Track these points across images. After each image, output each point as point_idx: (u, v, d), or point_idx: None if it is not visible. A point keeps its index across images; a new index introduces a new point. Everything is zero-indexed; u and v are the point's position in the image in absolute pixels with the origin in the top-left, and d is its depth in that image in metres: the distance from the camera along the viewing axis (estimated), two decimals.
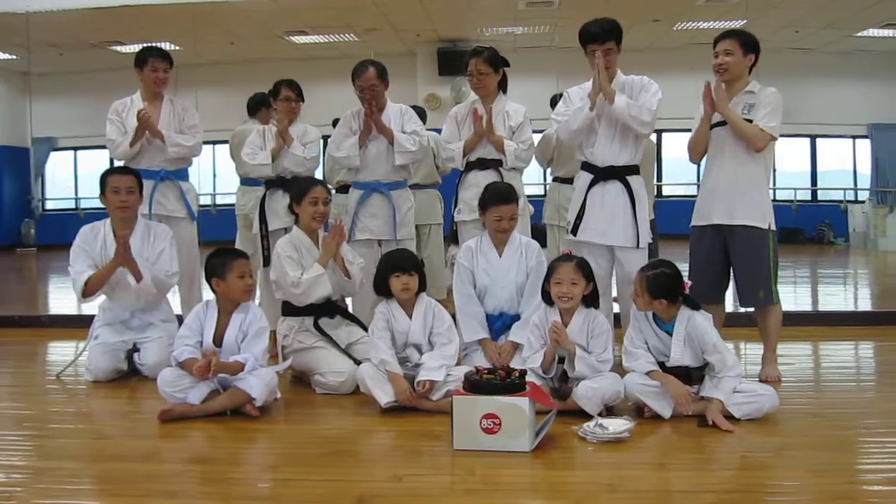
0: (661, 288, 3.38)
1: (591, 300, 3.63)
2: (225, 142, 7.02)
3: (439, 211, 6.20)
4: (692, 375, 3.42)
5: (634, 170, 4.23)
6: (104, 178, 4.36)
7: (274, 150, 4.85)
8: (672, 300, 3.40)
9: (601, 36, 4.07)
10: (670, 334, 3.42)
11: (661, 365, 3.44)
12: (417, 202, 5.09)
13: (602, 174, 4.19)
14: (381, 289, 3.77)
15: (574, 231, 4.24)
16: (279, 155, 4.85)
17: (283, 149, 4.85)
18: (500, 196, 4.03)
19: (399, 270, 3.70)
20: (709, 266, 4.09)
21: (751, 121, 3.94)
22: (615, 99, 4.05)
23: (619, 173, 4.17)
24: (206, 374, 3.43)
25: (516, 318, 4.02)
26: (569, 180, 5.91)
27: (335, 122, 6.28)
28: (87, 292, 4.25)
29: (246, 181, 6.26)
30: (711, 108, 4.02)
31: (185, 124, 4.95)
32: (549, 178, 6.44)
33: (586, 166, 4.27)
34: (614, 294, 4.44)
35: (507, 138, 4.56)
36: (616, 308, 4.45)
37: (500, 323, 4.04)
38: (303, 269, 4.05)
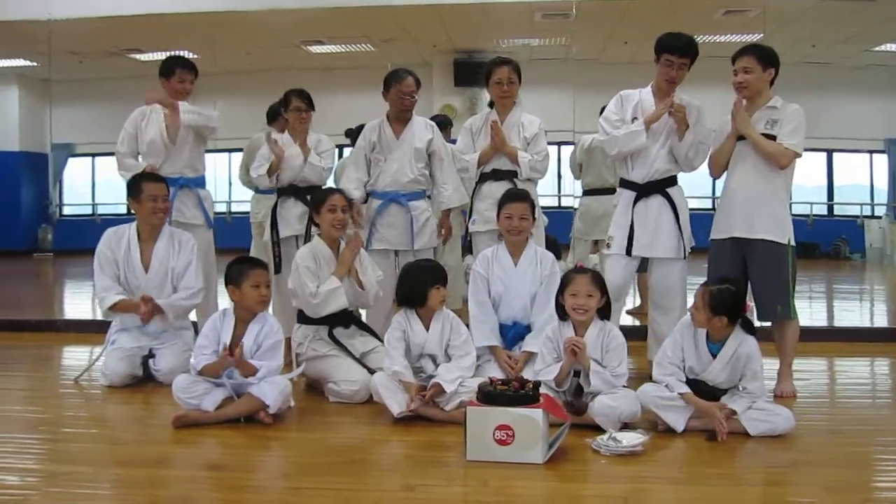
0: (725, 305, 3.30)
1: (604, 312, 3.61)
2: (241, 150, 7.07)
3: (457, 221, 6.21)
4: (717, 395, 3.39)
5: (674, 180, 4.26)
6: (139, 185, 4.36)
7: (273, 162, 4.87)
8: (732, 319, 3.34)
9: (680, 50, 4.08)
10: (714, 356, 3.36)
11: (689, 381, 3.41)
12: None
13: (644, 190, 4.22)
14: (413, 299, 3.76)
15: (629, 251, 4.22)
16: (277, 167, 4.87)
17: (300, 158, 4.89)
18: (510, 195, 4.09)
19: (440, 283, 3.73)
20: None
21: (774, 136, 3.93)
22: (685, 135, 4.10)
23: (659, 187, 4.21)
24: (230, 359, 3.47)
25: (529, 328, 4.02)
26: (600, 190, 5.98)
27: (347, 133, 6.34)
28: (112, 310, 4.35)
29: (260, 189, 6.30)
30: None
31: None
32: (580, 192, 6.47)
33: (625, 183, 4.29)
34: (628, 308, 4.43)
35: (521, 149, 4.57)
36: (626, 318, 4.43)
37: (513, 332, 4.03)
38: (319, 281, 4.05)
